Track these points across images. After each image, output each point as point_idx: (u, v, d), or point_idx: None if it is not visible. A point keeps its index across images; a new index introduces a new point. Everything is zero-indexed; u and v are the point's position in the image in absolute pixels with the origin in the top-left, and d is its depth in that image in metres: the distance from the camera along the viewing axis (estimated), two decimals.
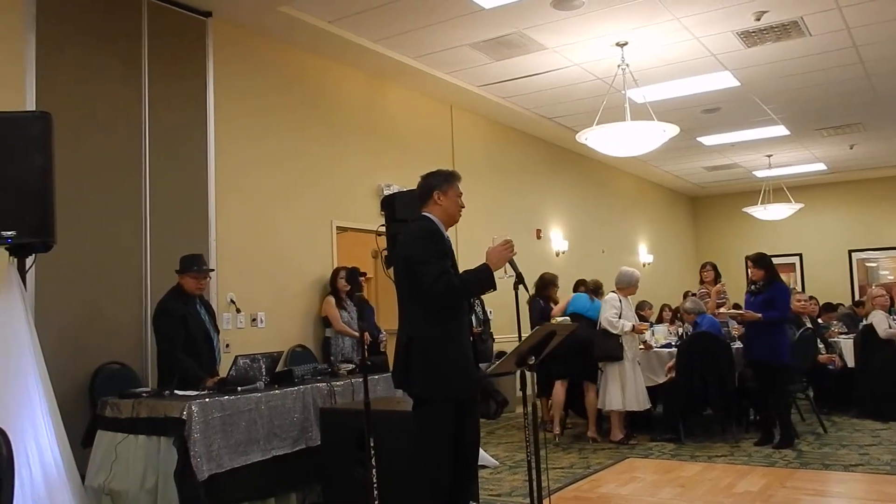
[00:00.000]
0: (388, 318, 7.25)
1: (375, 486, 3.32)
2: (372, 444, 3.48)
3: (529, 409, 3.55)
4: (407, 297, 3.81)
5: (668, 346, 7.50)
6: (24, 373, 3.52)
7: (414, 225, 3.95)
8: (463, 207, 3.96)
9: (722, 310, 7.64)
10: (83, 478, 4.30)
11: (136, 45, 5.80)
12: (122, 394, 4.53)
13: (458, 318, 3.77)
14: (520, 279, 3.89)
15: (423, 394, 3.70)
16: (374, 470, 3.44)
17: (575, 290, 8.90)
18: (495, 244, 3.76)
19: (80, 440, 4.52)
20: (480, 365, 7.74)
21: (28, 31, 5.08)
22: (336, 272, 7.20)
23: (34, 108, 4.98)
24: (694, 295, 13.37)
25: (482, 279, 3.71)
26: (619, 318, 6.79)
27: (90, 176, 5.34)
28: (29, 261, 3.77)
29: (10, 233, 3.52)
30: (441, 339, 3.68)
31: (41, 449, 3.46)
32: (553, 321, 3.57)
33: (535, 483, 3.59)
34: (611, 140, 7.58)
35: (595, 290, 7.63)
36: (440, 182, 3.90)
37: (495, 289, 3.73)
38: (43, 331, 4.88)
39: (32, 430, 3.46)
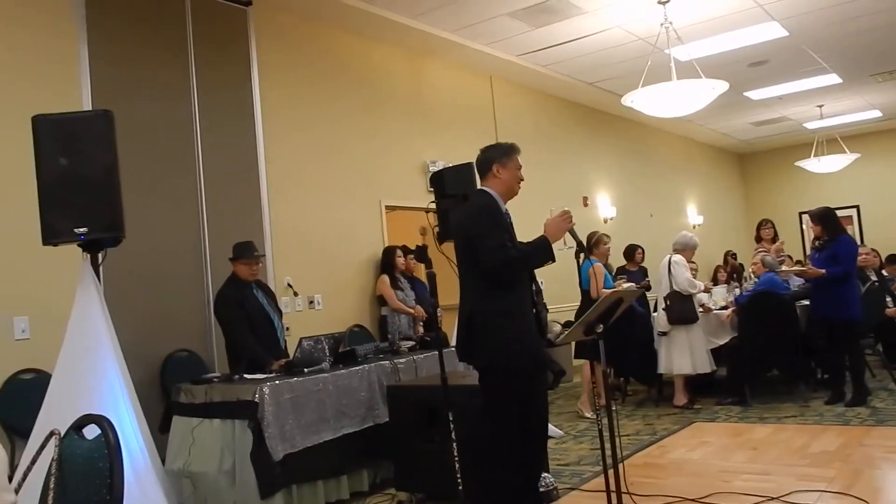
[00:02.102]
0: (441, 293, 7.26)
1: (457, 459, 3.34)
2: (451, 419, 3.51)
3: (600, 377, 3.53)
4: (467, 271, 3.82)
5: (727, 308, 7.37)
6: (104, 365, 3.62)
7: (472, 199, 3.95)
8: (522, 180, 3.93)
9: (784, 267, 7.49)
10: (163, 462, 4.43)
11: (182, 37, 5.87)
12: (194, 380, 4.63)
13: (520, 291, 3.77)
14: (581, 248, 3.88)
15: (488, 364, 3.71)
16: (454, 444, 3.47)
17: (627, 258, 8.82)
18: (553, 215, 3.74)
19: (158, 426, 4.64)
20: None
21: (80, 29, 5.17)
22: (388, 251, 7.24)
23: (90, 104, 5.10)
24: (734, 257, 13.23)
25: (540, 251, 3.71)
26: None
27: (146, 169, 5.43)
28: (100, 255, 3.85)
29: (82, 229, 3.60)
30: (503, 312, 3.68)
31: (125, 437, 3.55)
32: (618, 287, 3.54)
33: (609, 450, 3.59)
34: (658, 101, 7.43)
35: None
36: (499, 155, 3.88)
37: (554, 261, 3.73)
38: (115, 325, 5.07)
39: (116, 420, 3.53)
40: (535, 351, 3.78)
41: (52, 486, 1.84)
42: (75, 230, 3.58)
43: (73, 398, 3.52)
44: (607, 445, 3.62)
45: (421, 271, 7.94)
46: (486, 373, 3.75)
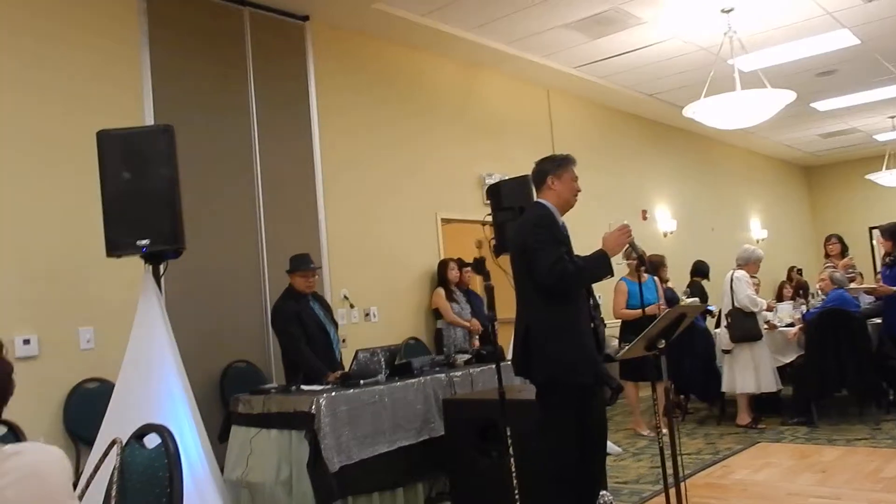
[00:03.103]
0: (497, 306, 7.20)
1: (514, 475, 3.28)
2: (508, 433, 3.44)
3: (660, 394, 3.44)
4: (524, 285, 3.78)
5: (793, 325, 7.14)
6: (166, 375, 3.67)
7: (528, 213, 3.92)
8: (579, 191, 3.87)
9: (853, 284, 7.23)
10: (222, 471, 4.48)
11: (241, 52, 5.97)
12: (252, 390, 4.67)
13: (577, 305, 3.71)
14: (642, 262, 3.81)
15: (545, 380, 3.66)
16: (511, 459, 3.40)
17: (693, 274, 8.61)
18: (612, 229, 3.67)
19: (217, 435, 4.69)
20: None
21: (142, 46, 5.31)
22: (443, 263, 7.23)
23: (152, 119, 5.22)
24: (799, 272, 12.83)
25: (598, 266, 3.64)
26: None
27: (205, 182, 5.52)
28: (162, 267, 3.92)
29: (144, 241, 3.67)
30: (560, 326, 3.63)
31: (185, 446, 3.58)
32: (682, 303, 3.46)
33: (670, 468, 3.49)
34: (720, 112, 7.28)
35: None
36: (554, 167, 3.84)
37: (612, 275, 3.66)
38: (175, 336, 5.16)
39: (177, 429, 3.56)
40: (592, 366, 3.71)
41: (113, 494, 1.85)
42: (138, 242, 3.65)
43: (135, 407, 3.58)
44: (668, 464, 3.51)
45: (477, 284, 7.94)
46: (543, 388, 3.69)
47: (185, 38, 5.62)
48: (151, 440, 2.12)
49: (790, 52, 8.36)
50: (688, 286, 8.53)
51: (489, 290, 3.64)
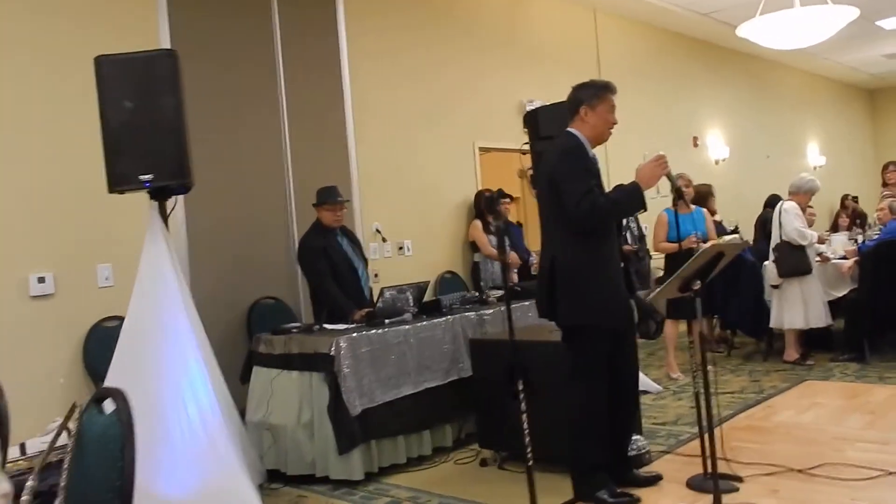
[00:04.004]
0: (537, 239, 6.96)
1: (527, 430, 3.09)
2: (521, 385, 3.22)
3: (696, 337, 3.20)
4: (551, 218, 3.53)
5: (846, 258, 6.74)
6: (174, 319, 3.54)
7: (556, 142, 3.64)
8: (615, 124, 3.55)
9: None
10: (244, 413, 4.40)
11: None
12: (274, 330, 4.55)
13: (606, 241, 3.46)
14: (679, 194, 3.54)
15: (572, 325, 3.43)
16: (524, 414, 3.19)
17: (767, 205, 8.17)
18: (647, 160, 3.37)
19: (239, 376, 4.61)
20: (638, 287, 7.40)
21: None
22: (480, 194, 6.97)
23: (169, 44, 5.00)
24: (855, 200, 12.18)
25: (631, 199, 3.36)
26: None
27: (228, 111, 5.35)
28: (170, 204, 3.75)
29: (147, 176, 3.49)
30: (588, 264, 3.38)
31: (196, 393, 3.49)
32: (721, 240, 3.19)
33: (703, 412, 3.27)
34: (777, 32, 6.79)
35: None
36: (589, 96, 3.51)
37: (646, 209, 3.39)
38: (199, 272, 5.08)
39: (186, 377, 3.49)
40: (622, 309, 3.48)
41: (65, 465, 1.70)
42: (140, 177, 3.47)
43: (141, 352, 3.48)
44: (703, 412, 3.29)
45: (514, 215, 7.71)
46: (570, 333, 3.47)
47: None
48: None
49: None
50: (758, 218, 8.06)
51: (505, 226, 3.38)
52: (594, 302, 3.36)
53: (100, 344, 4.52)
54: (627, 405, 3.69)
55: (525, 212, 8.96)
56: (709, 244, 5.92)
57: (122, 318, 4.52)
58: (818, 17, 6.59)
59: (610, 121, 3.53)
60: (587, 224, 3.35)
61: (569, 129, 3.58)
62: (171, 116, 3.53)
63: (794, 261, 6.14)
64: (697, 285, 3.19)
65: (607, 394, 3.48)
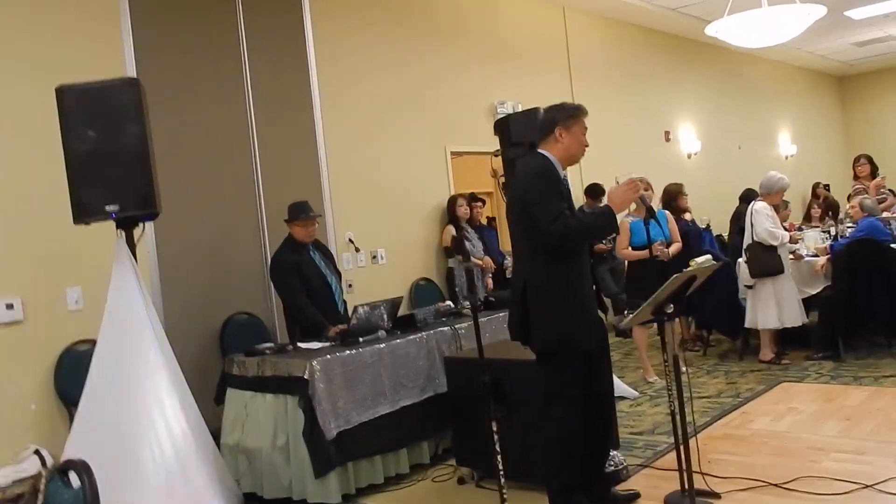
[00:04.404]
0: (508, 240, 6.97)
1: (499, 452, 3.07)
2: (493, 407, 3.20)
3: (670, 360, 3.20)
4: (522, 241, 3.51)
5: (817, 255, 6.78)
6: (144, 347, 3.49)
7: (527, 164, 3.61)
8: (586, 146, 3.54)
9: (885, 214, 6.83)
10: (219, 434, 4.36)
11: None
12: (247, 351, 4.49)
13: (578, 262, 3.44)
14: (650, 213, 3.54)
15: (545, 348, 3.42)
16: (496, 436, 3.17)
17: (742, 200, 8.22)
18: (619, 184, 3.36)
19: (213, 397, 4.56)
20: (614, 286, 7.39)
21: None
22: (452, 200, 6.94)
23: (132, 60, 4.94)
24: (826, 188, 12.28)
25: (603, 223, 3.38)
26: None
27: (195, 126, 5.27)
28: (137, 232, 3.68)
29: (113, 206, 3.43)
30: (560, 287, 3.38)
31: (167, 421, 3.45)
32: (692, 263, 3.21)
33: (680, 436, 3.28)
34: (745, 30, 6.80)
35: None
36: (564, 117, 3.50)
37: (618, 233, 3.37)
38: (171, 291, 5.02)
39: (158, 405, 3.45)
40: (595, 330, 3.48)
41: None
42: (106, 208, 3.40)
43: (112, 383, 3.43)
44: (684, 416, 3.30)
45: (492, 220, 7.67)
46: (544, 355, 3.45)
47: None
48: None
49: None
50: (733, 213, 8.11)
51: (468, 272, 3.36)
52: (567, 325, 3.36)
53: (72, 368, 4.45)
54: (604, 424, 3.69)
55: (499, 213, 8.94)
56: (673, 248, 5.98)
57: (93, 341, 4.45)
58: (786, 15, 6.61)
59: (583, 142, 3.52)
60: (558, 246, 3.34)
61: (539, 150, 3.56)
62: (135, 145, 3.46)
63: (766, 261, 6.17)
64: (671, 308, 3.19)
65: (583, 413, 3.47)
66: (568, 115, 3.50)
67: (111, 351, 3.48)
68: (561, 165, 3.50)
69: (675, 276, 3.12)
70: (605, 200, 7.48)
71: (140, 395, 3.42)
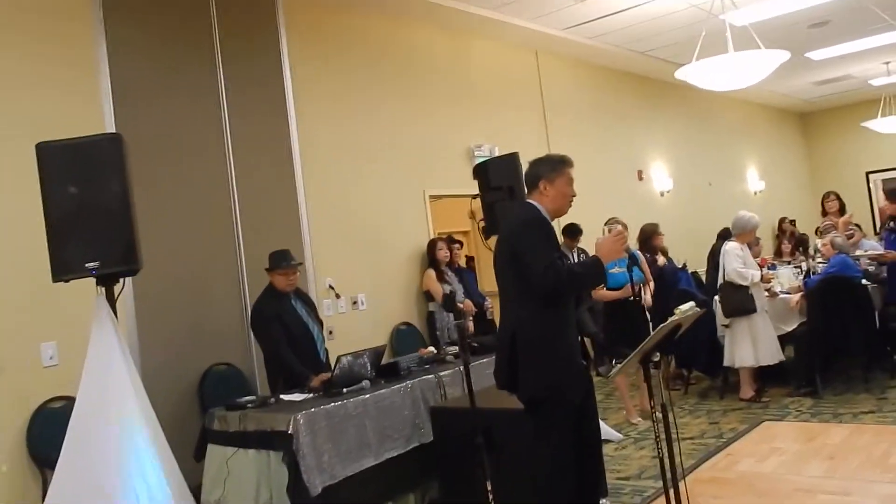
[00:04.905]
0: (491, 280, 6.95)
1: (490, 492, 3.05)
2: (485, 454, 3.18)
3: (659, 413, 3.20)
4: (511, 290, 3.50)
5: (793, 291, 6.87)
6: (124, 408, 3.41)
7: (517, 213, 3.63)
8: (573, 196, 3.57)
9: (859, 252, 6.95)
10: (199, 491, 4.26)
11: (207, 32, 5.61)
12: (228, 405, 4.40)
13: (565, 311, 3.45)
14: (633, 260, 3.56)
15: (534, 396, 3.41)
16: (487, 482, 3.15)
17: (720, 237, 8.31)
18: (606, 236, 3.39)
19: (193, 453, 4.46)
20: (593, 325, 7.39)
21: (97, 31, 4.97)
22: (432, 244, 6.94)
23: (111, 109, 4.93)
24: (792, 223, 12.46)
25: (592, 273, 3.40)
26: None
27: (175, 174, 5.24)
28: (117, 288, 3.62)
29: (93, 263, 3.37)
30: (548, 337, 3.38)
31: (148, 482, 3.36)
32: (677, 311, 3.23)
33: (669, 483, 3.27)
34: (713, 74, 6.94)
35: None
36: (548, 170, 3.52)
37: (606, 284, 3.40)
38: (149, 343, 4.94)
39: (138, 465, 3.36)
40: (580, 380, 3.48)
41: None
42: (87, 265, 3.35)
43: (89, 442, 3.34)
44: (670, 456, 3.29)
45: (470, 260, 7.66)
46: (532, 404, 3.44)
47: (145, 18, 5.24)
48: None
49: (781, 5, 7.97)
50: (710, 251, 8.16)
51: (461, 331, 3.39)
52: (556, 373, 3.35)
53: (45, 427, 4.33)
54: (592, 469, 3.67)
55: (477, 254, 8.97)
56: (650, 287, 6.00)
57: (69, 398, 4.38)
58: (752, 60, 6.75)
59: (569, 194, 3.55)
60: (549, 295, 3.34)
61: (528, 200, 3.58)
62: (117, 202, 3.42)
63: (738, 301, 6.25)
64: (657, 357, 3.21)
65: (572, 462, 3.45)
66: (551, 169, 3.52)
67: (90, 410, 3.39)
68: (550, 216, 3.51)
69: (661, 325, 3.13)
70: (581, 240, 7.73)
71: (121, 454, 3.34)
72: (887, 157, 14.56)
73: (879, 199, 14.41)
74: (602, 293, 6.04)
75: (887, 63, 11.68)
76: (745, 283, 6.20)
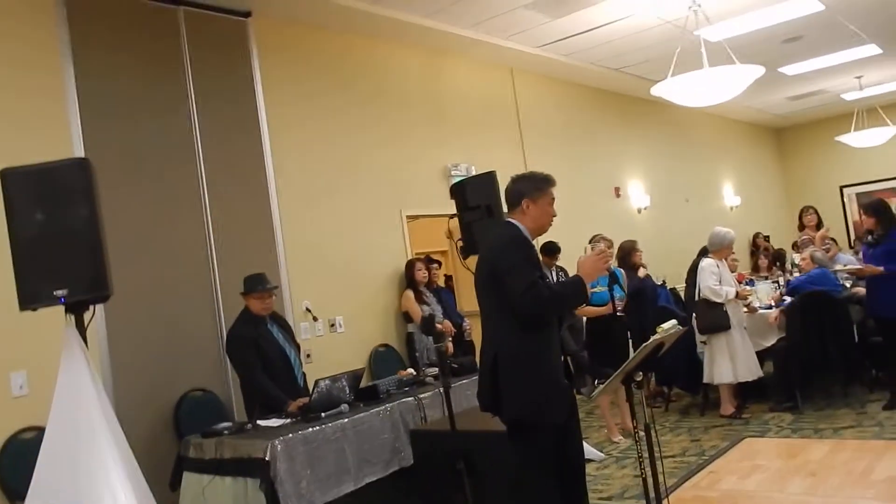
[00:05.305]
0: (469, 300, 6.92)
1: None
2: (466, 479, 3.13)
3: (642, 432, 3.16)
4: (492, 311, 3.46)
5: (770, 307, 6.89)
6: (95, 438, 3.31)
7: (498, 233, 3.58)
8: (554, 216, 3.54)
9: (838, 267, 6.99)
10: None
11: (177, 54, 5.53)
12: (204, 432, 4.33)
13: (548, 332, 3.40)
14: (614, 278, 3.54)
15: (517, 418, 3.36)
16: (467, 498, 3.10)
17: (701, 254, 8.29)
18: (588, 254, 3.36)
19: (168, 481, 4.36)
20: (573, 344, 7.36)
21: (65, 63, 4.89)
22: (410, 264, 6.89)
23: (79, 132, 4.84)
24: (766, 238, 12.52)
25: (574, 293, 3.35)
26: (720, 284, 6.27)
27: (145, 196, 5.15)
28: (87, 315, 3.53)
29: (61, 291, 3.28)
30: (531, 358, 3.33)
31: None
32: (659, 330, 3.20)
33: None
34: (689, 90, 6.97)
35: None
36: (530, 189, 3.49)
37: (588, 302, 3.36)
38: (121, 370, 4.85)
39: (111, 497, 3.26)
40: (564, 401, 3.42)
41: None
42: (55, 293, 3.26)
43: (61, 474, 3.24)
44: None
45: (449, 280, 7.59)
46: (515, 426, 3.39)
47: (113, 48, 5.17)
48: None
49: (755, 21, 8.07)
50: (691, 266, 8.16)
51: (440, 354, 3.34)
52: (537, 396, 3.30)
53: (15, 458, 4.22)
54: (576, 491, 3.61)
55: (455, 273, 8.93)
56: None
57: (39, 429, 4.26)
58: (727, 76, 6.79)
59: (550, 213, 3.52)
60: (531, 316, 3.30)
61: (509, 219, 3.54)
62: (85, 228, 3.32)
63: (712, 317, 6.26)
64: (640, 377, 3.17)
65: (556, 485, 3.41)
66: (534, 188, 3.49)
67: (60, 441, 3.29)
68: (531, 235, 3.48)
69: (643, 345, 3.11)
70: (559, 258, 7.70)
71: (92, 486, 3.24)
72: (861, 171, 14.74)
73: (853, 212, 14.59)
74: (585, 309, 6.02)
75: (859, 77, 11.82)
76: (719, 300, 6.21)
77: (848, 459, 4.85)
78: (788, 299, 6.77)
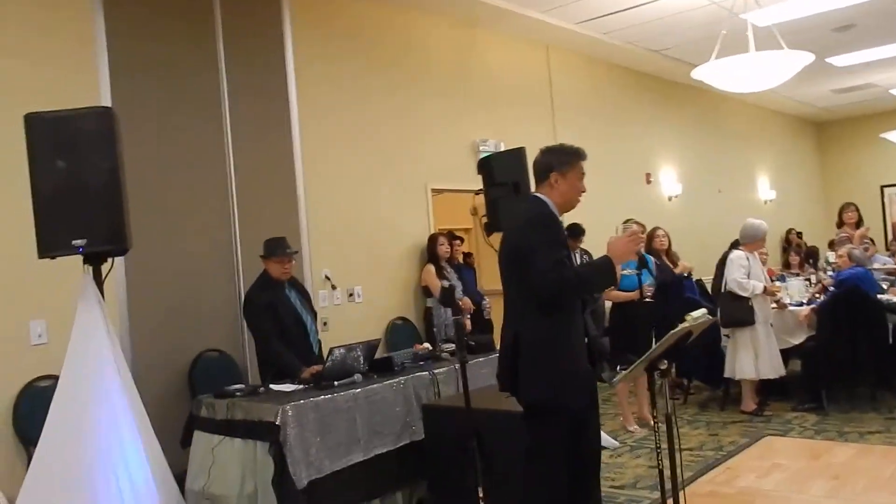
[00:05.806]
0: (490, 279, 6.83)
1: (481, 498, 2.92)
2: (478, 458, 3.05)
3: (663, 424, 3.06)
4: (514, 292, 3.33)
5: (802, 304, 6.71)
6: (107, 389, 3.30)
7: (524, 207, 3.45)
8: (583, 191, 3.40)
9: (876, 266, 6.78)
10: (185, 478, 4.16)
11: (209, 15, 5.45)
12: (217, 392, 4.29)
13: (571, 315, 3.28)
14: (643, 263, 3.41)
15: (535, 403, 3.26)
16: (478, 488, 3.02)
17: (733, 247, 8.12)
18: (620, 234, 3.22)
19: (179, 439, 4.35)
20: (594, 328, 7.23)
21: (97, 17, 4.81)
22: (433, 239, 6.80)
23: (108, 89, 4.79)
24: (799, 235, 12.26)
25: (602, 274, 3.21)
26: (748, 277, 6.10)
27: (171, 157, 5.11)
28: (105, 267, 3.49)
29: (80, 241, 3.24)
30: (553, 340, 3.20)
31: (129, 467, 3.25)
32: (688, 318, 3.07)
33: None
34: (733, 75, 6.78)
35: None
36: (561, 162, 3.33)
37: (617, 286, 3.24)
38: (138, 327, 4.84)
39: (119, 449, 3.26)
40: (586, 387, 3.32)
41: None
42: (73, 242, 3.23)
43: (72, 424, 3.24)
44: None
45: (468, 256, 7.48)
46: (531, 410, 3.29)
47: (145, 8, 5.10)
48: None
49: (806, 6, 7.77)
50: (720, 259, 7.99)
51: (458, 327, 3.24)
52: (558, 379, 3.19)
53: (32, 405, 4.22)
54: (589, 484, 3.51)
55: (477, 251, 8.83)
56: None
57: (56, 377, 4.24)
58: (774, 61, 6.60)
59: (580, 188, 3.37)
60: (552, 298, 3.16)
61: (536, 194, 3.41)
62: (106, 178, 3.28)
63: (736, 311, 6.10)
64: (664, 365, 3.07)
65: (568, 472, 3.31)
66: (564, 161, 3.34)
67: (72, 392, 3.28)
68: (559, 210, 3.35)
69: (671, 332, 2.99)
70: (584, 241, 7.55)
71: (102, 438, 3.23)
72: None
73: (894, 213, 14.24)
74: (612, 293, 5.89)
75: None
76: (745, 294, 6.05)
77: (874, 464, 4.70)
78: (833, 289, 6.56)
